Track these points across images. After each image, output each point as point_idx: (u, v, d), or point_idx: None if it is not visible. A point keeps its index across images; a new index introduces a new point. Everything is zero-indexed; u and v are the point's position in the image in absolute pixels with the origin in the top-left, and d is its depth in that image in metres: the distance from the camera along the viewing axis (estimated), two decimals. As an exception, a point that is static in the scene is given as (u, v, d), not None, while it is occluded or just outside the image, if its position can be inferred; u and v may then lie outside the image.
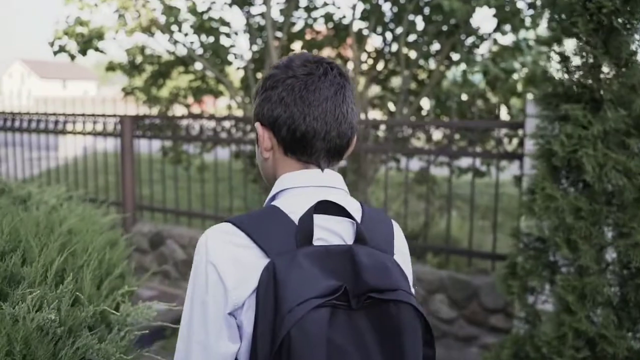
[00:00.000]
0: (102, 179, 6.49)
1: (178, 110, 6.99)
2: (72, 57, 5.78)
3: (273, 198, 1.10)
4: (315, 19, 6.08)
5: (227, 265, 0.98)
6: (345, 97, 1.09)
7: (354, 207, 1.10)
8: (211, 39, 5.94)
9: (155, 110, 6.72)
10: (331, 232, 1.04)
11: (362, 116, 5.59)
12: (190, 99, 6.91)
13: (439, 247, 4.69)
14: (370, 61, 6.21)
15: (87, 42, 5.43)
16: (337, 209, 1.03)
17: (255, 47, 6.19)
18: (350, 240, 1.04)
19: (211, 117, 5.46)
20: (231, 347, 0.97)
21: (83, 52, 5.55)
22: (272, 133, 1.09)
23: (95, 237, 1.82)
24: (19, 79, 59.31)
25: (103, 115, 5.76)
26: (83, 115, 5.91)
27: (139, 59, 6.51)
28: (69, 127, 6.00)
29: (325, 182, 1.10)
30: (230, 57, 6.20)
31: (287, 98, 1.06)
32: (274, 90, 1.08)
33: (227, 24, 5.93)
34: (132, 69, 6.43)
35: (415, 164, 5.98)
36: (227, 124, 5.25)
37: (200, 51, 6.19)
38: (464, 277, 4.12)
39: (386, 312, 0.96)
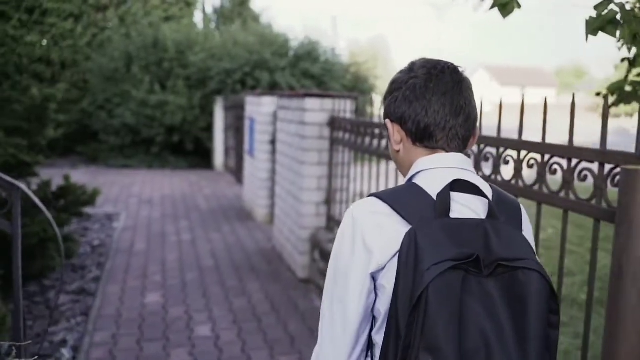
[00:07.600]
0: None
1: None
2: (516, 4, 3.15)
3: (410, 179, 1.23)
4: None
5: (373, 232, 1.12)
6: (462, 90, 1.23)
7: (485, 187, 1.21)
8: None
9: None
10: (466, 207, 1.15)
11: None
12: None
13: None
14: None
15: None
16: (471, 188, 1.14)
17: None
18: (483, 216, 1.14)
19: None
20: (367, 302, 1.14)
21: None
22: (400, 127, 1.26)
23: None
24: (482, 86, 61.30)
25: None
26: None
27: None
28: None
29: (457, 164, 1.22)
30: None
31: (411, 96, 1.23)
32: (399, 91, 1.25)
33: None
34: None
35: None
36: None
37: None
38: None
39: (515, 279, 1.03)
